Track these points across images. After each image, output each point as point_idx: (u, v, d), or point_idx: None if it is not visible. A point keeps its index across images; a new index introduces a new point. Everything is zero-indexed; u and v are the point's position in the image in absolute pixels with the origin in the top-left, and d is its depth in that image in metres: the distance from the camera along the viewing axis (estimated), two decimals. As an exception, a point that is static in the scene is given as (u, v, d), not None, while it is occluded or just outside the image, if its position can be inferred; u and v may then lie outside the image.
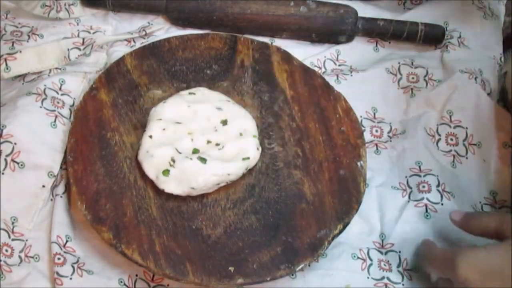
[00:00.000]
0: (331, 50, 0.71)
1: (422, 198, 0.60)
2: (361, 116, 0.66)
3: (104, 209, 0.55)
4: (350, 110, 0.64)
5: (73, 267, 0.55)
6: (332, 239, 0.56)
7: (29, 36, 0.69)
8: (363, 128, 0.64)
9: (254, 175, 0.59)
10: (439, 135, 0.64)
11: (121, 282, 0.55)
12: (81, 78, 0.66)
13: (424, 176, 0.61)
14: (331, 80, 0.67)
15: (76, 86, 0.65)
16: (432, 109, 0.66)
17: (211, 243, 0.55)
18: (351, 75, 0.68)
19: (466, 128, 0.64)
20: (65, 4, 0.72)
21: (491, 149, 0.63)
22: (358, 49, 0.72)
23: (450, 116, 0.65)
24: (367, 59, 0.71)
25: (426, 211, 0.59)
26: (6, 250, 0.56)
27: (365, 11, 0.73)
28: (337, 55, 0.71)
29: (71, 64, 0.68)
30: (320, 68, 0.70)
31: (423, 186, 0.61)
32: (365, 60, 0.71)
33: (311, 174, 0.60)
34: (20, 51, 0.66)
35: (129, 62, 0.65)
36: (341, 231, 0.56)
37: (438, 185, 0.61)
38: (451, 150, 0.64)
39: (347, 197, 0.58)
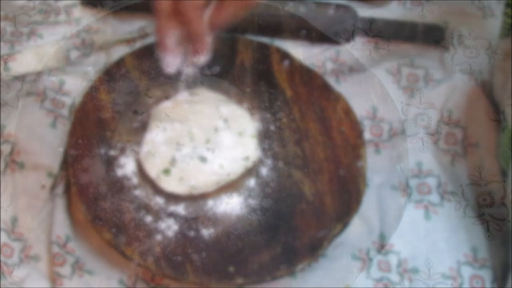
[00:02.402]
0: (331, 50, 0.71)
1: (423, 199, 0.60)
2: (361, 116, 0.66)
3: (104, 209, 0.56)
4: (350, 110, 0.64)
5: (73, 267, 0.55)
6: (332, 239, 0.56)
7: (29, 37, 0.69)
8: (363, 128, 0.64)
9: (254, 175, 0.59)
10: (439, 134, 0.64)
11: (121, 282, 0.55)
12: (81, 78, 0.66)
13: (425, 177, 0.61)
14: (331, 80, 0.67)
15: (76, 86, 0.65)
16: (432, 109, 0.66)
17: (211, 243, 0.55)
18: (351, 75, 0.68)
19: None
20: (64, 6, 0.72)
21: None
22: (358, 49, 0.72)
23: (450, 116, 0.65)
24: (367, 59, 0.71)
25: (427, 212, 0.59)
26: (6, 250, 0.56)
27: (365, 11, 0.73)
28: (337, 55, 0.71)
29: (71, 64, 0.68)
30: (320, 68, 0.70)
31: (424, 188, 0.61)
32: (365, 60, 0.71)
33: (311, 174, 0.60)
34: (20, 52, 0.66)
35: (129, 63, 0.65)
36: (341, 231, 0.56)
37: (439, 186, 0.60)
38: (450, 150, 0.64)
39: (347, 197, 0.58)
